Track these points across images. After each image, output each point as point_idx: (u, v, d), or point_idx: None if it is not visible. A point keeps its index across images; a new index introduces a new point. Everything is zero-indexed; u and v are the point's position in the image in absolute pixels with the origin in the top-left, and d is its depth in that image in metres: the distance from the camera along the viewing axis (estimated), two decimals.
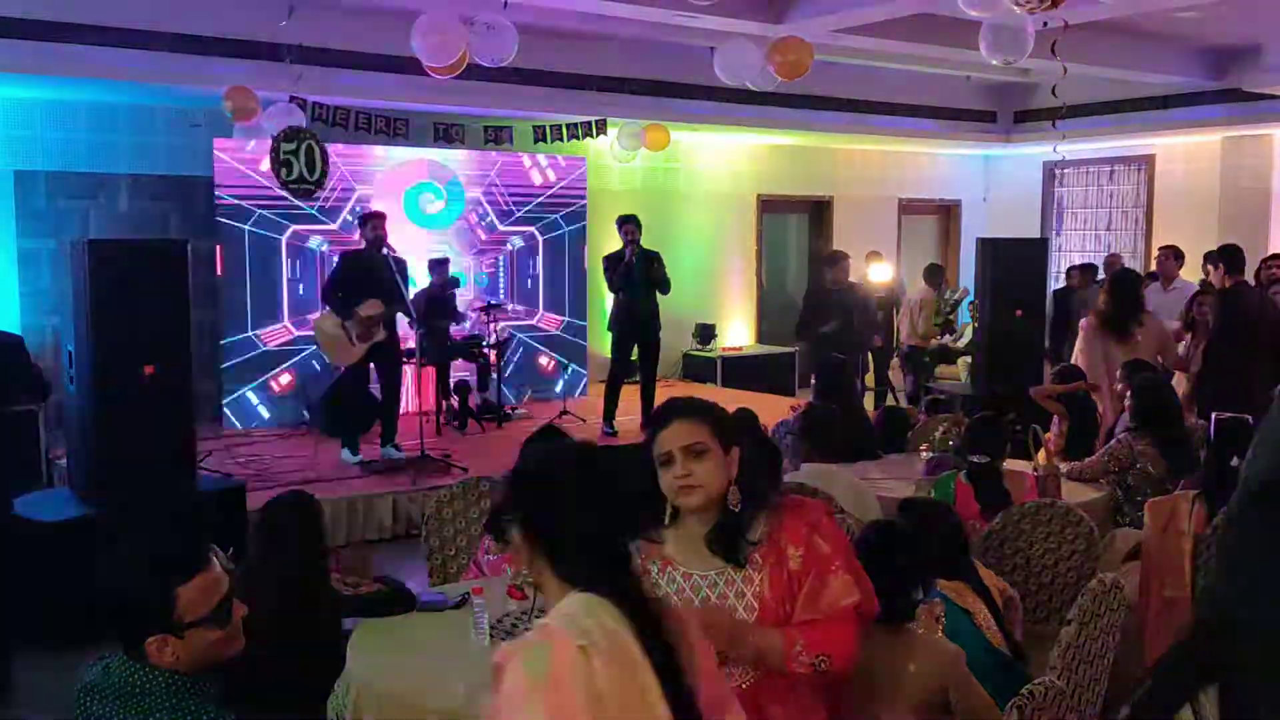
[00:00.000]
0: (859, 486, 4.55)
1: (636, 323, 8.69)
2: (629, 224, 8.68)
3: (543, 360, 10.53)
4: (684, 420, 2.30)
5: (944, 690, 2.57)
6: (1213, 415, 4.49)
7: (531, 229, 10.49)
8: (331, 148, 9.17)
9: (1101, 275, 11.18)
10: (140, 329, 5.42)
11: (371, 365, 7.70)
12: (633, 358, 8.87)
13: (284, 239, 9.17)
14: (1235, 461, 3.93)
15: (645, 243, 8.74)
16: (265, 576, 3.29)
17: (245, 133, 8.53)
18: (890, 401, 10.03)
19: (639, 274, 8.59)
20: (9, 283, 8.50)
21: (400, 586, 3.48)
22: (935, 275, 10.85)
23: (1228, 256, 6.72)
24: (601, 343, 9.84)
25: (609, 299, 9.21)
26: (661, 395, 10.29)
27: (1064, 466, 4.95)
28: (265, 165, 7.97)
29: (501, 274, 10.32)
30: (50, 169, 8.67)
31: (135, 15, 7.51)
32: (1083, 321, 6.76)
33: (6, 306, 8.49)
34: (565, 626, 1.66)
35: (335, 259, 8.28)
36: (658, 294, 8.72)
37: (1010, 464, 4.77)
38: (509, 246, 10.38)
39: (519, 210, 10.39)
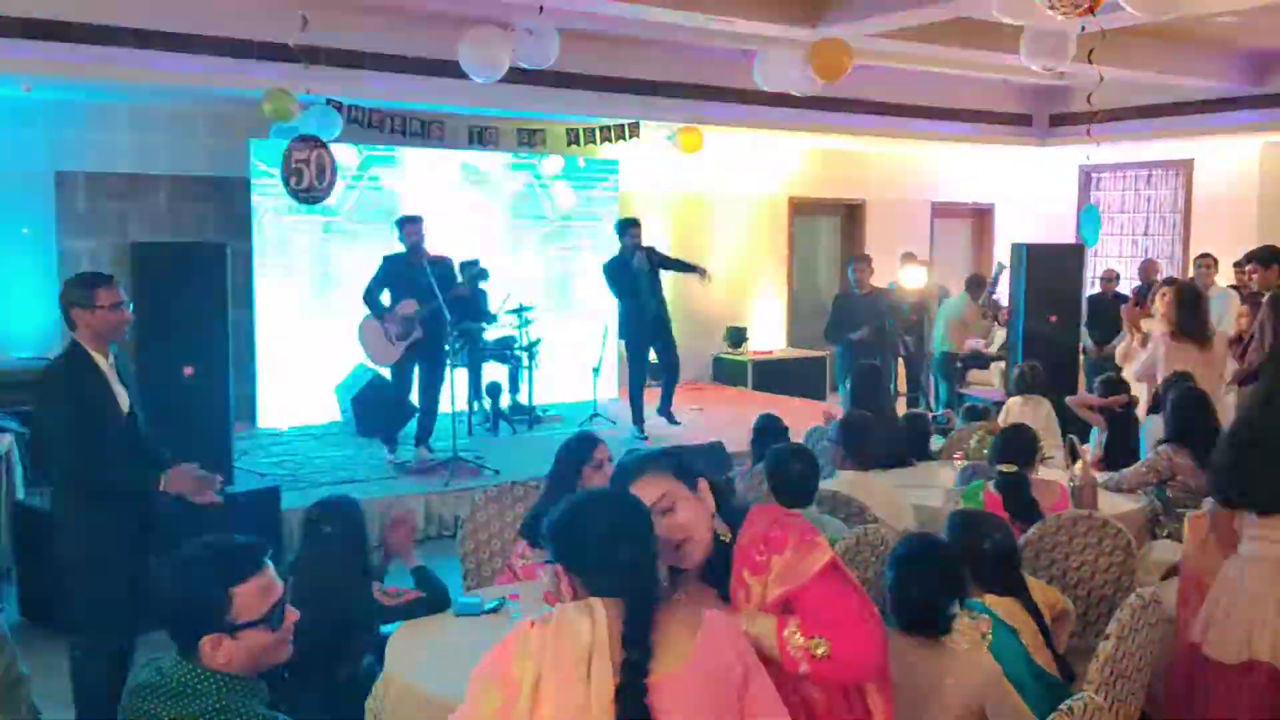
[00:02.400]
0: (893, 494, 4.55)
1: (648, 324, 8.76)
2: (634, 227, 8.74)
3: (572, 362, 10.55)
4: (643, 479, 2.19)
5: (981, 707, 2.56)
6: None
7: (561, 229, 10.51)
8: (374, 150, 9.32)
9: (1136, 281, 11.09)
10: (181, 330, 5.50)
11: (415, 366, 7.78)
12: (652, 359, 8.93)
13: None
14: None
15: (679, 245, 8.80)
16: (305, 580, 3.33)
17: (282, 134, 8.61)
18: (923, 408, 9.98)
19: (645, 277, 8.63)
20: (50, 282, 8.62)
21: (437, 584, 3.50)
22: (977, 286, 10.79)
23: (1278, 258, 6.57)
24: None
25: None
26: (692, 398, 10.36)
27: (1101, 477, 4.92)
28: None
29: (532, 276, 10.35)
30: (90, 170, 8.78)
31: (175, 19, 7.60)
32: (1156, 334, 6.67)
33: (47, 306, 8.61)
34: (540, 612, 2.05)
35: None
36: (688, 275, 8.87)
37: (1044, 473, 4.75)
38: (539, 248, 10.41)
39: (550, 212, 10.41)
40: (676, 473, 2.20)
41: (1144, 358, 6.70)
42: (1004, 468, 4.34)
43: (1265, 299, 6.48)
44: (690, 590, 2.22)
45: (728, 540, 2.20)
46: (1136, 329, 7.12)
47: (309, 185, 7.37)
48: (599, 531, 2.03)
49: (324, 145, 7.49)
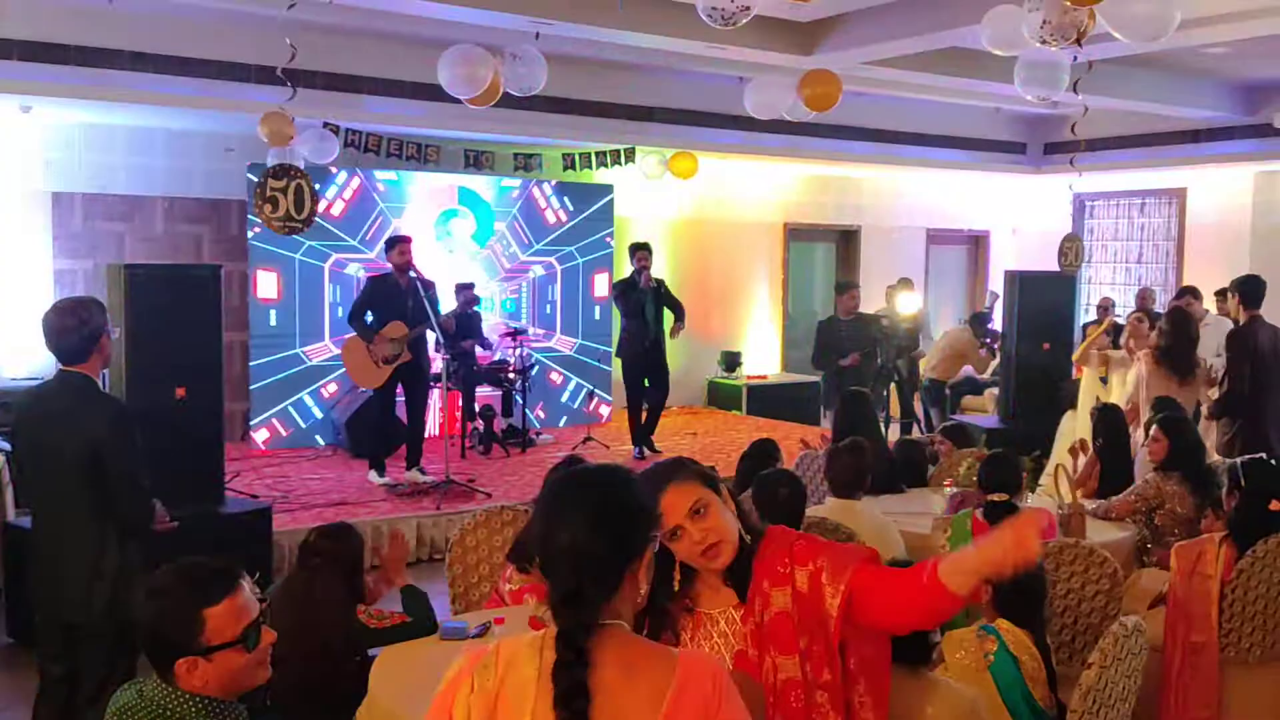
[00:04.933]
0: (881, 521, 4.55)
1: (646, 349, 8.79)
2: (642, 251, 8.77)
3: (565, 385, 10.57)
4: (676, 485, 2.21)
5: None
6: (1238, 459, 4.46)
7: (557, 255, 10.56)
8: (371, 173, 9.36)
9: (1123, 309, 11.14)
10: (173, 352, 5.51)
11: (399, 387, 7.78)
12: (645, 384, 8.95)
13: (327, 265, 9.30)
14: (1276, 505, 3.90)
15: (674, 270, 8.84)
16: (294, 603, 3.34)
17: (279, 157, 8.65)
18: (915, 434, 10.00)
19: (650, 301, 8.67)
20: (44, 304, 8.62)
21: (424, 606, 3.51)
22: (980, 324, 10.84)
23: (1245, 289, 6.61)
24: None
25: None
26: (686, 423, 10.37)
27: (1089, 504, 4.93)
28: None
29: (526, 299, 10.39)
30: (87, 191, 8.82)
31: (173, 42, 7.66)
32: (1140, 354, 6.70)
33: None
34: (484, 648, 1.81)
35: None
36: (673, 319, 8.86)
37: (1033, 500, 4.75)
38: (534, 273, 10.45)
39: (545, 236, 10.46)
40: (703, 480, 2.26)
41: (1129, 391, 6.74)
42: (994, 497, 4.34)
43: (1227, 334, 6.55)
44: (711, 590, 2.29)
45: (748, 542, 2.28)
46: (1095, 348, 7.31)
47: (284, 214, 7.30)
48: (541, 523, 1.82)
49: (302, 175, 7.39)
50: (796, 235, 12.92)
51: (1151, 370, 6.40)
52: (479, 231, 10.09)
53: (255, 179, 8.84)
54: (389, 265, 7.74)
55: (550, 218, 10.49)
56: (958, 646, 2.93)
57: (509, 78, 6.36)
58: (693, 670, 1.73)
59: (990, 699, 2.86)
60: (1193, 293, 8.88)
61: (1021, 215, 14.27)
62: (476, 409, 9.22)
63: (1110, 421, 6.13)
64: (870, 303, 11.39)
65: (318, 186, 7.60)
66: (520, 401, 9.31)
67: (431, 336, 7.76)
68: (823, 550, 2.27)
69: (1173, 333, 6.45)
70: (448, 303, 8.88)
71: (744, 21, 4.99)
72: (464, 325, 8.87)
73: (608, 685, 1.69)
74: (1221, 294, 7.27)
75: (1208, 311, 9.06)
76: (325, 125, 8.30)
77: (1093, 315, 11.56)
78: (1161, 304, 10.92)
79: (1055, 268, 9.42)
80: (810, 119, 8.04)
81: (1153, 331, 6.91)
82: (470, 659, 1.79)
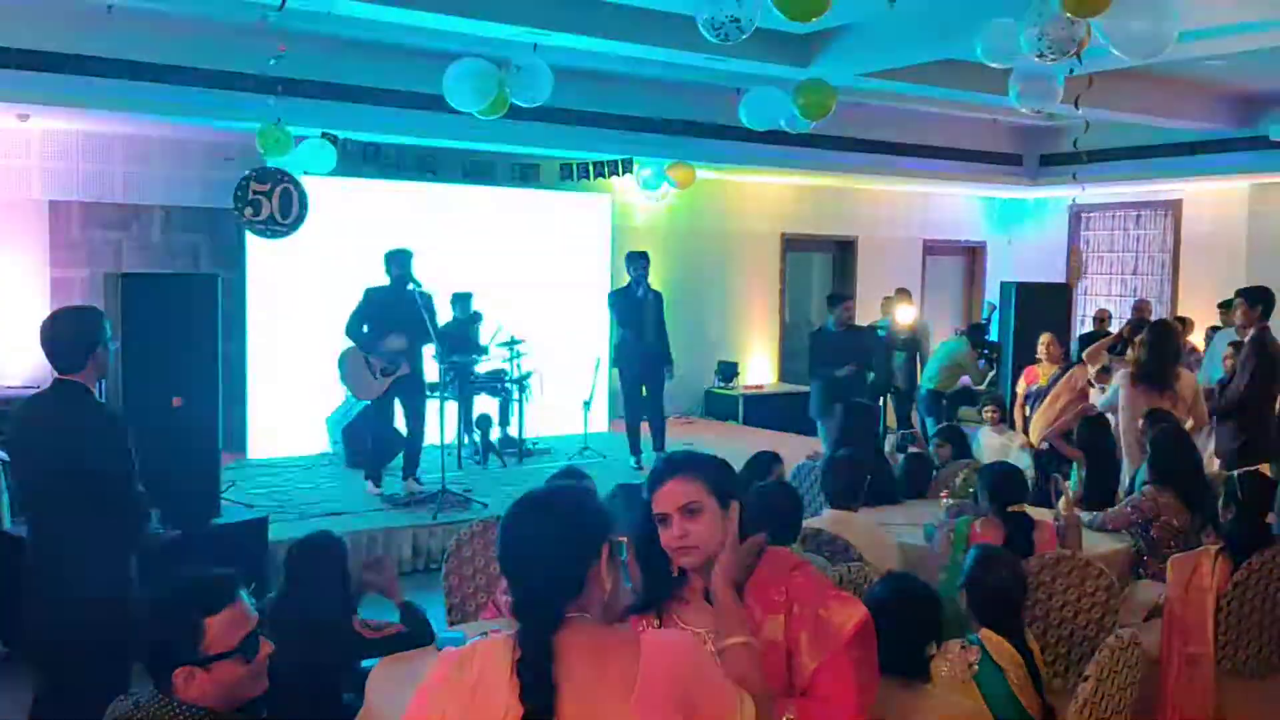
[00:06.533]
0: (877, 533, 4.55)
1: (643, 359, 8.80)
2: (640, 259, 8.78)
3: (562, 395, 10.55)
4: (679, 479, 2.26)
5: None
6: (1235, 472, 4.47)
7: (554, 264, 10.56)
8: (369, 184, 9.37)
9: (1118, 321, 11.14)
10: (170, 361, 5.51)
11: (396, 399, 7.77)
12: (643, 394, 8.95)
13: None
14: (1270, 518, 3.91)
15: (672, 280, 8.84)
16: (287, 616, 3.33)
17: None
18: (912, 444, 9.98)
19: (647, 311, 8.68)
20: (41, 312, 8.62)
21: (421, 620, 3.50)
22: (979, 334, 10.82)
23: (1266, 301, 6.53)
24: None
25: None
26: (683, 432, 10.36)
27: (1085, 516, 4.93)
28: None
29: (524, 309, 10.37)
30: (84, 199, 8.82)
31: (171, 51, 7.67)
32: (1118, 375, 6.65)
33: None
34: (464, 645, 1.93)
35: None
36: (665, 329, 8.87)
37: (1030, 512, 4.75)
38: (532, 282, 10.45)
39: (543, 246, 10.46)
40: (714, 486, 2.26)
41: (1105, 398, 6.72)
42: (1013, 509, 4.34)
43: (1247, 339, 6.50)
44: (694, 608, 2.29)
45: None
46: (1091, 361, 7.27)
47: (267, 218, 7.24)
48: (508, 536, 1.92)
49: (290, 179, 7.29)
50: (793, 246, 12.95)
51: (1131, 391, 6.32)
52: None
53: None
54: (387, 277, 7.73)
55: (548, 227, 10.49)
56: (942, 659, 2.93)
57: (514, 90, 6.39)
58: (659, 651, 1.80)
59: (978, 710, 2.86)
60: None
61: (1017, 226, 14.31)
62: (474, 419, 9.22)
63: (1094, 432, 6.13)
64: (869, 313, 11.42)
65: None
66: (518, 411, 9.30)
67: (430, 348, 7.76)
68: (813, 589, 2.27)
69: (1152, 348, 6.36)
70: (446, 313, 8.89)
71: (742, 37, 4.99)
72: (462, 335, 8.87)
73: (577, 676, 1.76)
74: (1226, 305, 7.22)
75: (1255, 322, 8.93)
76: (323, 135, 8.31)
77: (1089, 327, 11.57)
78: (1158, 316, 10.93)
79: (1051, 279, 9.44)
80: (807, 130, 8.07)
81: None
82: (449, 656, 1.89)
